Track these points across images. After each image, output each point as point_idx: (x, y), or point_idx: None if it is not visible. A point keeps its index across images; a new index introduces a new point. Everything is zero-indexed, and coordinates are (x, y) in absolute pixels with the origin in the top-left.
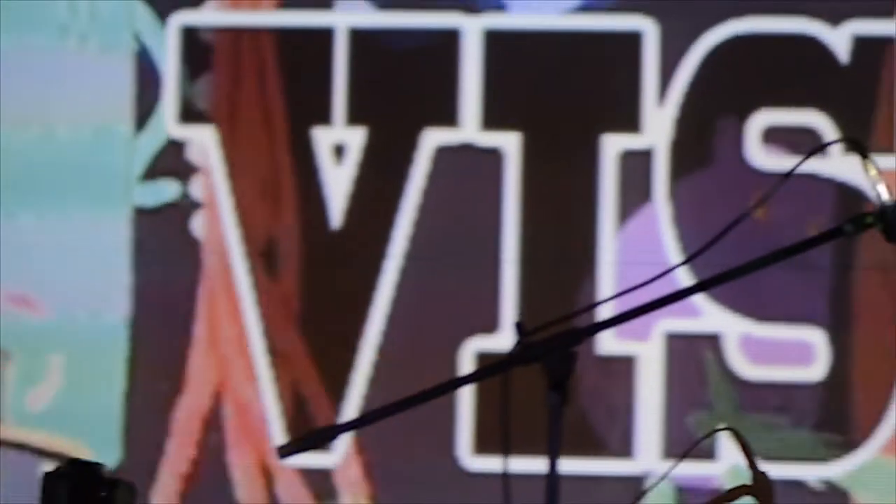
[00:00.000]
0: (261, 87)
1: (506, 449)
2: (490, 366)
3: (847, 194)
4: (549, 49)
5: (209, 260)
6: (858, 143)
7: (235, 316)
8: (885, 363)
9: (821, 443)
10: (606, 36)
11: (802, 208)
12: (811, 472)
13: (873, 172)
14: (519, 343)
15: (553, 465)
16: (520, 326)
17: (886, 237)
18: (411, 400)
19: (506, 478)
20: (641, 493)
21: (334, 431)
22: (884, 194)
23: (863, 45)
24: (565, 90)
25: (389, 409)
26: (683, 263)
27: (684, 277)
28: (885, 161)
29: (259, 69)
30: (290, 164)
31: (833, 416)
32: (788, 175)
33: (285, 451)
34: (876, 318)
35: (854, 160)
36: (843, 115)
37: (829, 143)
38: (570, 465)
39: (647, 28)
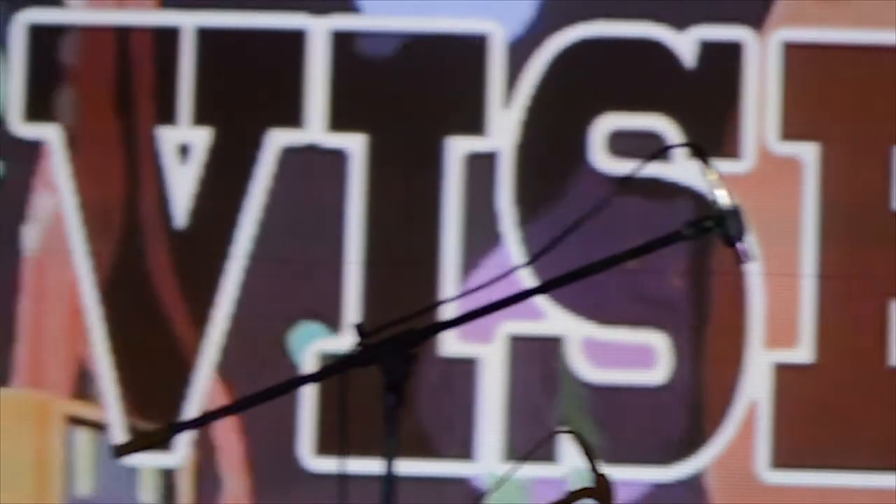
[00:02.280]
0: (109, 87)
1: (343, 450)
2: (328, 367)
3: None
4: (395, 51)
5: (51, 259)
6: (698, 148)
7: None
8: (729, 368)
9: (662, 446)
10: (453, 38)
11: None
12: (653, 475)
13: (713, 177)
14: (358, 344)
15: (390, 467)
16: (359, 328)
17: (724, 242)
18: (250, 400)
19: (343, 479)
20: (481, 496)
21: (173, 431)
22: (722, 199)
23: (709, 50)
24: (411, 92)
25: (228, 409)
26: (524, 266)
27: (528, 280)
28: (732, 166)
29: (107, 68)
30: (136, 163)
31: (675, 420)
32: (627, 179)
33: (123, 451)
34: (719, 323)
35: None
36: (688, 120)
37: (668, 147)
38: (410, 467)
39: (494, 31)
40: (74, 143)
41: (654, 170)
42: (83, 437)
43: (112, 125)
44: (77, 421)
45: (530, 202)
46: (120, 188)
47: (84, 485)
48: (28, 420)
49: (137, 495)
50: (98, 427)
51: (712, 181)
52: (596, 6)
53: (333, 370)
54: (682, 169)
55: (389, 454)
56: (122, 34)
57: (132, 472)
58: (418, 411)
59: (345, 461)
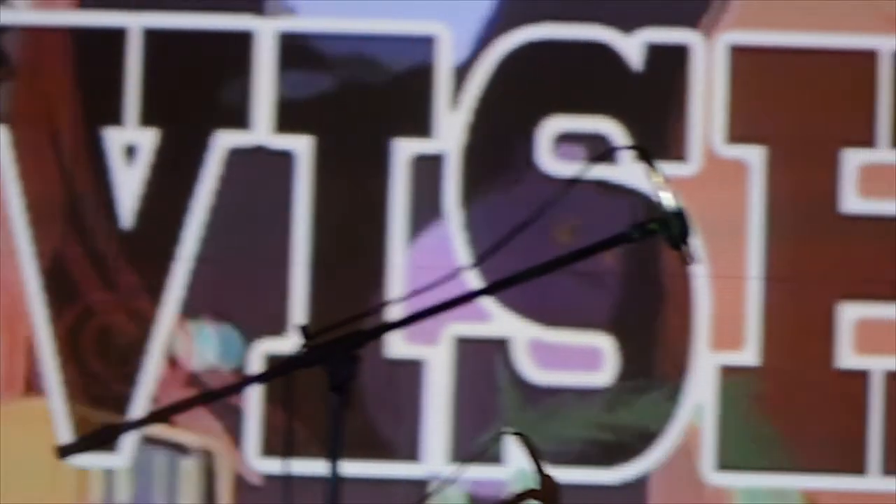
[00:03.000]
0: (55, 88)
1: (288, 451)
2: (272, 368)
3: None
4: (341, 52)
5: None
6: (643, 150)
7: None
8: (674, 369)
9: (609, 445)
10: (400, 40)
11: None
12: (599, 476)
13: (657, 179)
14: (303, 346)
15: (334, 468)
16: (304, 329)
17: (669, 244)
18: (195, 400)
19: (288, 480)
20: (426, 497)
21: (117, 431)
22: (667, 201)
23: (656, 53)
24: (358, 94)
25: (173, 409)
26: (470, 267)
27: (474, 282)
28: (679, 169)
29: (54, 69)
30: (82, 164)
31: (621, 421)
32: (573, 182)
33: (67, 451)
34: (665, 325)
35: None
36: (635, 122)
37: (614, 150)
38: (356, 468)
39: (441, 33)
40: (18, 143)
41: (600, 172)
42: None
43: (55, 125)
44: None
45: (477, 204)
46: (61, 188)
47: (123, 492)
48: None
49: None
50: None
51: (657, 183)
52: (543, 8)
53: (278, 372)
54: (628, 171)
55: (334, 455)
56: (66, 34)
57: (173, 477)
58: (364, 413)
59: (290, 462)
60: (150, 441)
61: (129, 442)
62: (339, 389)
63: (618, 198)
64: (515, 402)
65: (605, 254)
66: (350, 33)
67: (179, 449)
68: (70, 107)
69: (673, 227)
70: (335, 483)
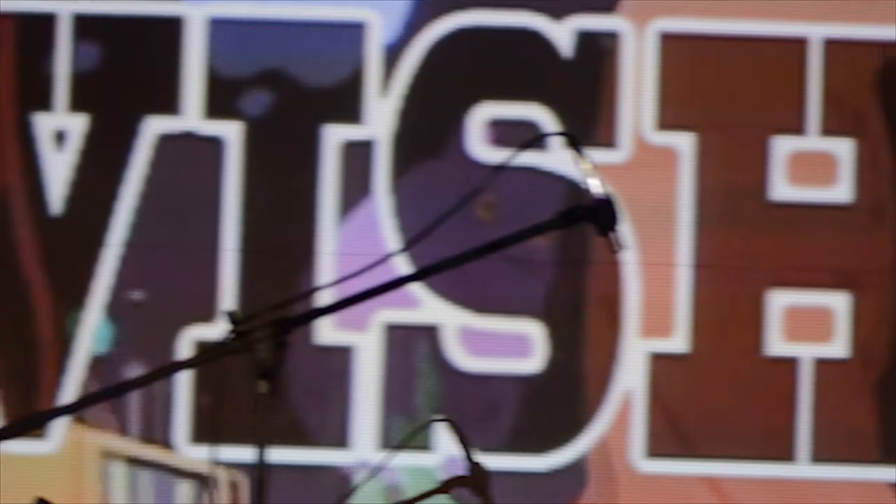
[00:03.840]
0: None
1: (216, 437)
2: (200, 354)
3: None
4: (272, 38)
5: None
6: (571, 137)
7: None
8: (605, 357)
9: (538, 432)
10: (331, 26)
11: (535, 203)
12: (528, 463)
13: (586, 166)
14: (231, 332)
15: (261, 455)
16: (231, 315)
17: (597, 231)
18: (122, 386)
19: (215, 466)
20: (356, 484)
21: (44, 417)
22: (595, 188)
23: (585, 40)
24: (288, 80)
25: (102, 395)
26: (397, 253)
27: (403, 268)
28: (609, 156)
29: None
30: (12, 150)
31: (550, 409)
32: (500, 168)
33: None
34: (595, 312)
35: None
36: (565, 109)
37: (542, 136)
38: (284, 455)
39: (371, 19)
40: None
41: (530, 159)
42: (119, 470)
43: None
44: (112, 455)
45: (406, 190)
46: None
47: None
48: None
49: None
50: (134, 461)
51: (586, 170)
52: None
53: (205, 358)
54: (558, 158)
55: (261, 442)
56: (9, 21)
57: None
58: (293, 400)
59: (218, 449)
60: (140, 464)
61: (57, 428)
62: (266, 376)
63: (535, 175)
64: (445, 389)
65: (537, 240)
66: (280, 19)
67: (174, 472)
68: (4, 92)
69: (601, 214)
70: (262, 470)
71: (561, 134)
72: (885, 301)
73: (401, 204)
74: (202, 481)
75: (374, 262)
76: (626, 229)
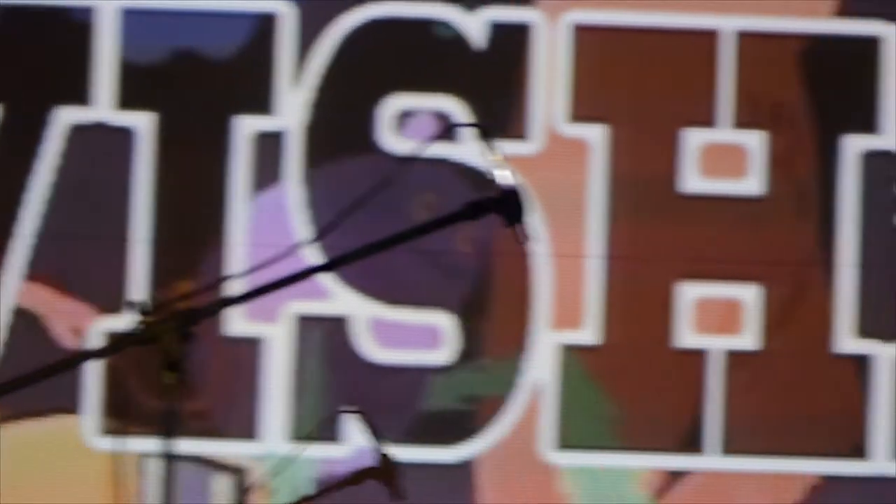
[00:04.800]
0: None
1: (122, 429)
2: (106, 345)
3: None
4: (184, 29)
5: None
6: (481, 128)
7: None
8: (514, 348)
9: (448, 424)
10: (243, 17)
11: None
12: (437, 454)
13: (494, 157)
14: (138, 322)
15: (168, 446)
16: (138, 306)
17: (505, 222)
18: (27, 378)
19: (119, 457)
20: (264, 474)
21: None
22: (504, 179)
23: (498, 31)
24: (200, 71)
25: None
26: (307, 243)
27: (315, 260)
28: (520, 147)
29: None
30: None
31: (460, 399)
32: (411, 159)
33: None
34: (506, 304)
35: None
36: (477, 100)
37: (451, 127)
38: (193, 447)
39: (285, 10)
40: None
41: (442, 150)
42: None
43: None
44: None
45: (318, 181)
46: None
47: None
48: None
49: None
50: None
51: (495, 161)
52: None
53: (112, 349)
54: (469, 149)
55: (168, 433)
56: None
57: (205, 482)
58: (203, 391)
59: (125, 440)
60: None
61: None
62: (173, 367)
63: (473, 173)
64: (355, 380)
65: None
66: (192, 9)
67: (211, 466)
68: None
69: (509, 206)
70: (170, 461)
71: (471, 125)
72: (793, 293)
73: (313, 195)
74: (238, 474)
75: (284, 253)
76: (536, 221)
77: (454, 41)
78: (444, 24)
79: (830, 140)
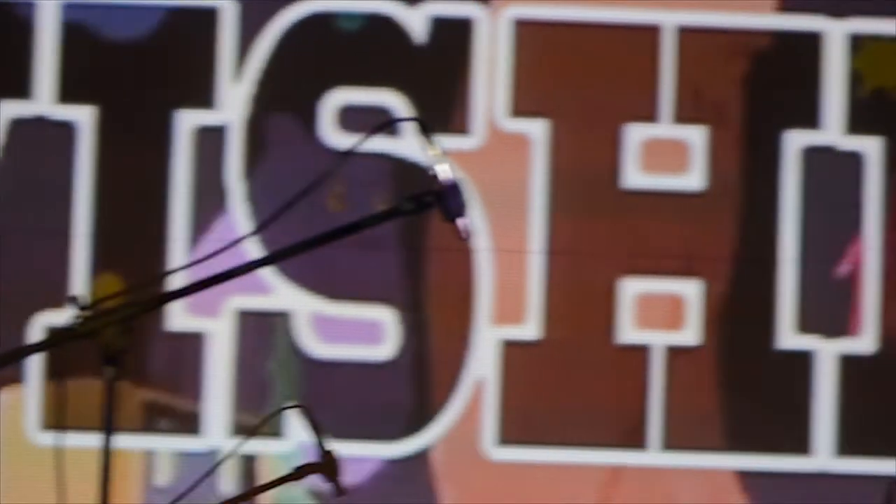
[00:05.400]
0: None
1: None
2: (45, 340)
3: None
4: (126, 23)
5: None
6: (420, 123)
7: None
8: (456, 344)
9: (389, 422)
10: (184, 11)
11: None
12: (380, 450)
13: (434, 152)
14: (78, 317)
15: (107, 441)
16: (77, 300)
17: (444, 217)
18: None
19: (60, 452)
20: (210, 470)
21: None
22: (443, 174)
23: (440, 26)
24: (140, 65)
25: None
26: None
27: (255, 255)
28: (462, 142)
29: None
30: None
31: (402, 396)
32: (348, 154)
33: None
34: (448, 299)
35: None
36: (419, 95)
37: (391, 122)
38: (136, 442)
39: (225, 5)
40: None
41: (384, 145)
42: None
43: None
44: (157, 410)
45: (259, 176)
46: None
47: (163, 476)
48: None
49: (218, 485)
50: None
51: (434, 156)
52: None
53: (51, 343)
54: (411, 144)
55: (107, 428)
56: None
57: (212, 461)
58: (145, 385)
59: (63, 435)
60: None
61: None
62: (112, 362)
63: (383, 164)
64: (297, 376)
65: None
66: (134, 4)
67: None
68: None
69: (448, 201)
70: (108, 456)
71: (410, 119)
72: (735, 289)
73: (254, 190)
74: (246, 461)
75: (224, 247)
76: (477, 216)
77: (396, 35)
78: (347, 17)
79: (772, 135)
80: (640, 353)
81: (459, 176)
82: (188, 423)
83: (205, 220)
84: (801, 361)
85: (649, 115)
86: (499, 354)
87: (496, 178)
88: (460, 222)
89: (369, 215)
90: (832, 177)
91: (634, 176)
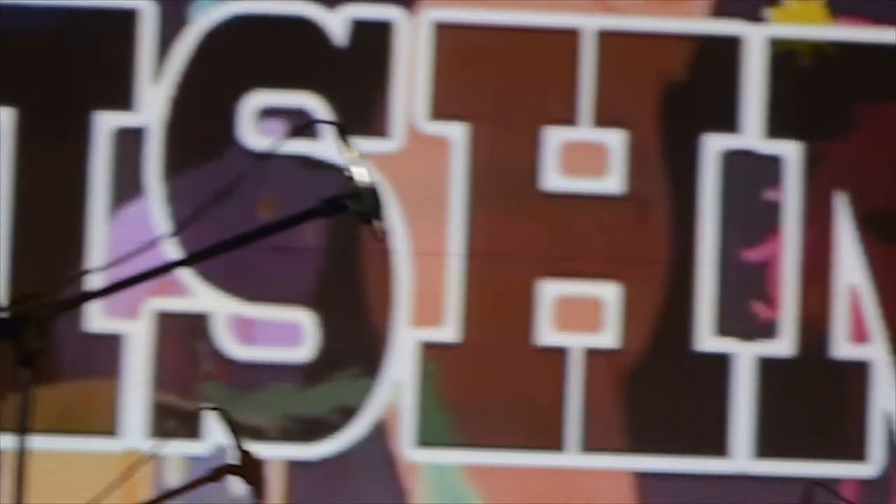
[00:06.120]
0: None
1: None
2: None
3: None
4: (44, 24)
5: None
6: (337, 125)
7: None
8: (375, 345)
9: (309, 421)
10: (103, 13)
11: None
12: (298, 452)
13: (351, 154)
14: None
15: (22, 442)
16: None
17: (361, 219)
18: None
19: None
20: (126, 471)
21: None
22: (360, 177)
23: (360, 29)
24: (60, 65)
25: None
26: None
27: (174, 257)
28: (381, 145)
29: None
30: None
31: (321, 396)
32: (266, 156)
33: None
34: (367, 301)
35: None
36: (338, 98)
37: (308, 124)
38: (54, 443)
39: (143, 6)
40: None
41: (303, 147)
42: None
43: None
44: (167, 410)
45: (178, 178)
46: None
47: (173, 476)
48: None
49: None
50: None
51: (351, 158)
52: None
53: None
54: (330, 146)
55: (22, 429)
56: None
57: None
58: (62, 386)
59: None
60: None
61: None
62: (28, 363)
63: (321, 172)
64: (215, 378)
65: (306, 229)
66: (54, 5)
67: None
68: None
69: (365, 203)
70: (22, 458)
71: (326, 122)
72: (653, 292)
73: (172, 191)
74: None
75: (142, 247)
76: (397, 218)
77: (315, 38)
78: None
79: (690, 139)
80: (558, 355)
81: (376, 178)
82: (193, 424)
83: (123, 221)
84: (720, 364)
85: (569, 119)
86: (417, 356)
87: (416, 180)
88: (376, 224)
89: (285, 217)
90: (751, 180)
91: (554, 179)
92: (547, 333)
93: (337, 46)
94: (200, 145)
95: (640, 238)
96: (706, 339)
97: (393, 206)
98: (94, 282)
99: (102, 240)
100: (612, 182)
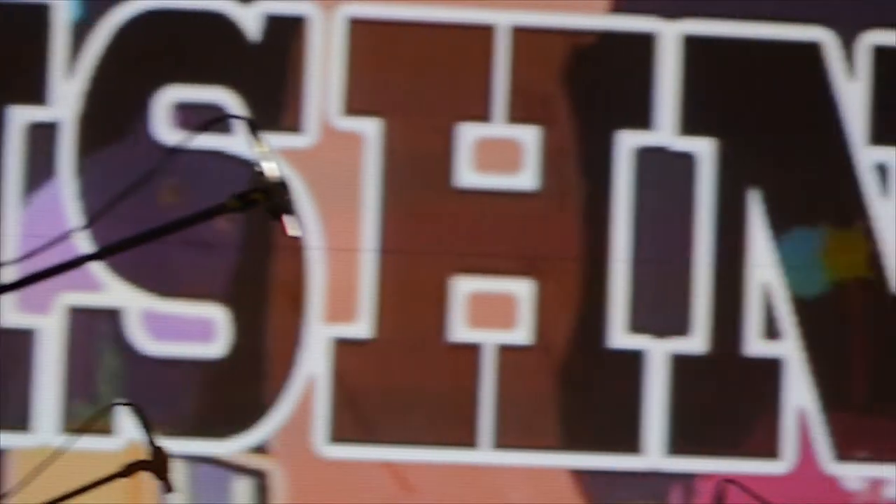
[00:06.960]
0: None
1: None
2: None
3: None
4: None
5: None
6: (247, 120)
7: None
8: (289, 342)
9: (221, 419)
10: (13, 7)
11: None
12: (211, 447)
13: (261, 149)
14: None
15: None
16: None
17: (271, 214)
18: None
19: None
20: (38, 468)
21: None
22: (270, 172)
23: (274, 24)
24: None
25: None
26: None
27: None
28: (294, 140)
29: None
30: None
31: (234, 393)
32: (176, 150)
33: None
34: (280, 297)
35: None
36: (251, 93)
37: (218, 119)
38: None
39: (57, 2)
40: None
41: (215, 142)
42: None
43: None
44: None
45: (91, 172)
46: None
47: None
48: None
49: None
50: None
51: (261, 153)
52: None
53: None
54: (242, 140)
55: None
56: None
57: (225, 479)
58: None
59: None
60: (199, 459)
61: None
62: None
63: (221, 160)
64: (128, 373)
65: (220, 223)
66: None
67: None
68: None
69: (275, 198)
70: None
71: (237, 117)
72: (567, 289)
73: (85, 186)
74: (259, 477)
75: (53, 240)
76: (309, 214)
77: (229, 32)
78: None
79: (605, 135)
80: (471, 351)
81: (286, 173)
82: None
83: (35, 216)
84: (633, 360)
85: (482, 115)
86: (330, 352)
87: (329, 176)
88: (286, 219)
89: (196, 212)
90: (665, 177)
91: (467, 175)
92: (460, 330)
93: (250, 41)
94: (113, 139)
95: (554, 234)
96: (619, 335)
97: (306, 201)
98: (4, 275)
99: (14, 235)
100: (526, 179)
